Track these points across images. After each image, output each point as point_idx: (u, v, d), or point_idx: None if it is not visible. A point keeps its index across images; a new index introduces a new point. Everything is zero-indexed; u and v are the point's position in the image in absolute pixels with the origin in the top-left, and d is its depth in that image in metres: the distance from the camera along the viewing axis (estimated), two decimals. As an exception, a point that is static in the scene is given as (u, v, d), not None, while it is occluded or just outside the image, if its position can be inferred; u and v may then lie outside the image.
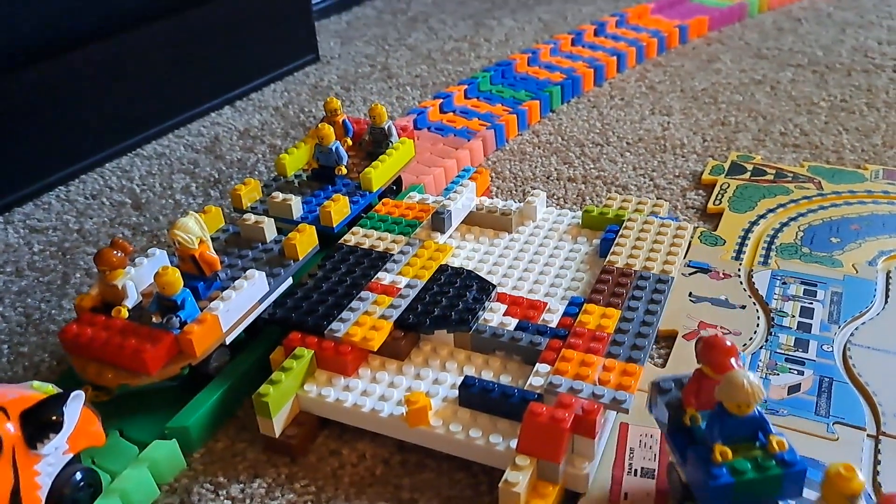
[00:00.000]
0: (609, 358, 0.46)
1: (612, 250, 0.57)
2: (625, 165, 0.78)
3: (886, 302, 0.56)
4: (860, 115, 0.85)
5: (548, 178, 0.77)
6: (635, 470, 0.44)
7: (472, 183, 0.64)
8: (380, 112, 0.68)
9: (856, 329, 0.53)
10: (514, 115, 0.86)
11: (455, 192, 0.63)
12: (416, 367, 0.50)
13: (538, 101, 0.89)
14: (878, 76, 0.95)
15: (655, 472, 0.43)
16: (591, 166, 0.79)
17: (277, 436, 0.47)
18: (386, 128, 0.69)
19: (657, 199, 0.72)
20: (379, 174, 0.65)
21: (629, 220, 0.60)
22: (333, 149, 0.65)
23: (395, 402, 0.47)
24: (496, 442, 0.43)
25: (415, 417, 0.45)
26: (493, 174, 0.79)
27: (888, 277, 0.58)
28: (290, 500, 0.44)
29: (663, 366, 0.52)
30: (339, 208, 0.61)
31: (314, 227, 0.59)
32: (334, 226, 0.60)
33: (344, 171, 0.66)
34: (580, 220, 0.63)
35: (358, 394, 0.48)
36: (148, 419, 0.49)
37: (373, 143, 0.70)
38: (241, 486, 0.45)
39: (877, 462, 0.43)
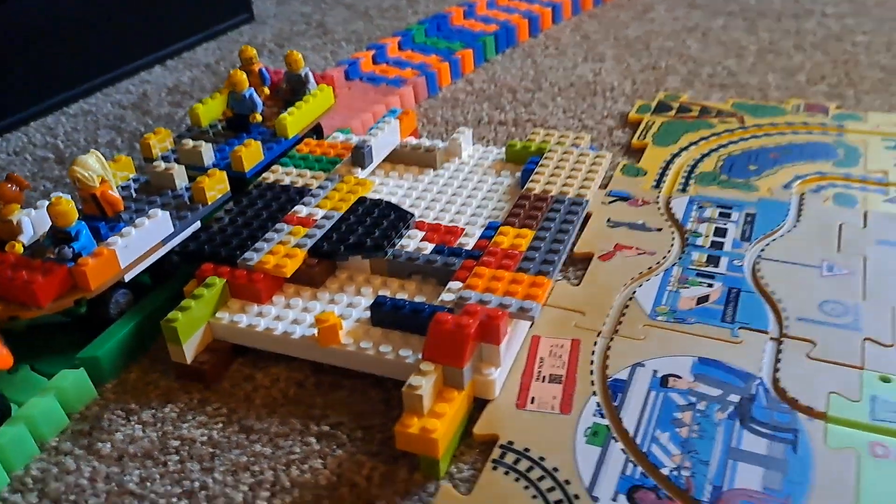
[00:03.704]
0: (520, 273, 0.47)
1: (530, 178, 0.57)
2: (555, 109, 0.79)
3: (798, 220, 0.57)
4: (787, 56, 0.87)
5: (479, 122, 0.77)
6: (544, 377, 0.44)
7: (394, 121, 0.64)
8: (296, 59, 0.67)
9: (766, 245, 0.54)
10: (447, 64, 0.86)
11: (377, 129, 0.63)
12: (331, 293, 0.50)
13: (471, 51, 0.89)
14: (806, 20, 0.96)
15: (563, 378, 0.44)
16: (522, 111, 0.79)
17: (189, 362, 0.46)
18: (303, 75, 0.68)
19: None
20: (294, 120, 0.64)
21: (550, 151, 0.61)
22: (247, 96, 0.64)
23: (308, 325, 0.47)
24: (406, 355, 0.43)
25: (326, 336, 0.45)
26: (425, 120, 0.78)
27: (801, 199, 0.59)
28: (201, 422, 0.44)
29: (578, 284, 0.52)
30: (250, 153, 0.60)
31: (225, 171, 0.58)
32: (246, 171, 0.60)
33: (259, 118, 0.65)
34: (505, 156, 0.64)
35: (271, 319, 0.47)
36: (60, 355, 0.48)
37: (290, 92, 0.69)
38: (153, 411, 0.45)
39: (777, 360, 0.44)
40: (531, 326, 0.48)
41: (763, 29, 0.94)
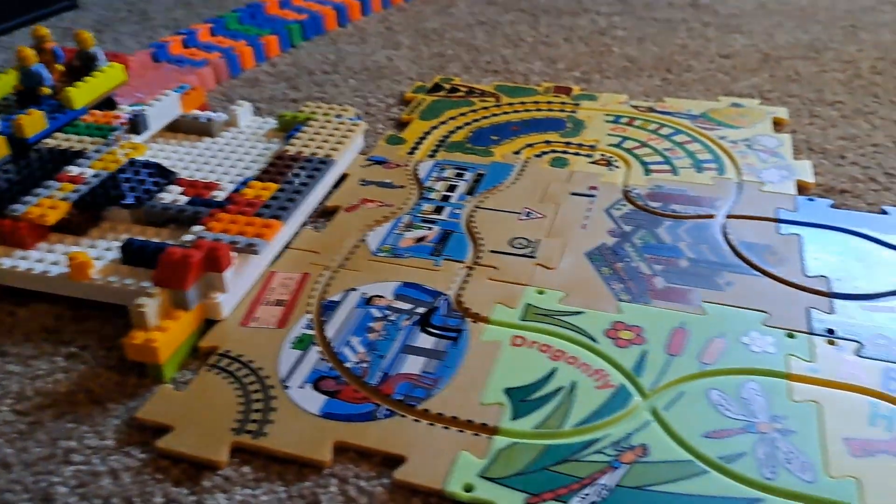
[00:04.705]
0: (257, 217, 0.55)
1: (289, 141, 0.65)
2: (346, 89, 0.87)
3: (518, 179, 0.68)
4: (556, 47, 0.99)
5: (272, 99, 0.85)
6: (270, 301, 0.52)
7: (174, 94, 0.71)
8: (85, 37, 0.73)
9: (486, 198, 0.65)
10: (251, 48, 0.93)
11: (156, 100, 0.69)
12: (91, 240, 0.56)
13: (277, 36, 0.97)
14: (581, 17, 1.10)
15: (286, 302, 0.52)
16: (315, 90, 0.87)
17: (-49, 300, 0.52)
18: (93, 52, 0.73)
19: (366, 114, 0.82)
20: (79, 93, 0.69)
21: (313, 120, 0.69)
22: (34, 70, 0.69)
23: (65, 265, 0.53)
24: (147, 286, 0.51)
25: (76, 272, 0.51)
26: (223, 97, 0.85)
27: (526, 162, 0.70)
28: (-41, 350, 0.50)
29: (321, 231, 0.61)
30: (32, 121, 0.65)
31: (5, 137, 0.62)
32: (27, 137, 0.64)
33: (47, 91, 0.69)
34: (278, 126, 0.72)
35: (32, 261, 0.53)
36: None
37: (82, 68, 0.74)
38: (-86, 342, 0.50)
39: (465, 282, 0.54)
40: (272, 263, 0.56)
41: (543, 24, 1.07)
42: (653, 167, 0.69)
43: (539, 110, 0.80)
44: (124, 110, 0.70)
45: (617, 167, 0.69)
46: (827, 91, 0.85)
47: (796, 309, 0.51)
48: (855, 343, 0.48)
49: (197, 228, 0.54)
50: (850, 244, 0.58)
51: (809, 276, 0.54)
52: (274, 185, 0.59)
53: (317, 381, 0.46)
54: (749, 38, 1.01)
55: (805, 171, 0.68)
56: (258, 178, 0.60)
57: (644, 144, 0.73)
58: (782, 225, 0.60)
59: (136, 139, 0.66)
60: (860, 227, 0.60)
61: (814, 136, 0.75)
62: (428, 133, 0.75)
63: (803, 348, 0.48)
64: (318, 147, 0.65)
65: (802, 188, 0.66)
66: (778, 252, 0.57)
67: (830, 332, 0.49)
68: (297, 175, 0.60)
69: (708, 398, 0.45)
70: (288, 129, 0.70)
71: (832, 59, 0.94)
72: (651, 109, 0.80)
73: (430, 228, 0.60)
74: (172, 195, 0.59)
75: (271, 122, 0.73)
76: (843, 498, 0.38)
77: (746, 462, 0.40)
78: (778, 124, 0.77)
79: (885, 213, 0.62)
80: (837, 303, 0.52)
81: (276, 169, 0.61)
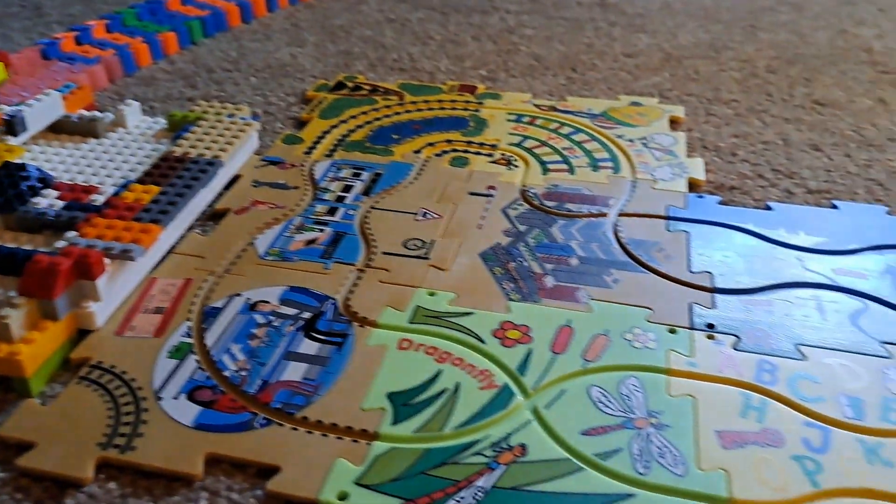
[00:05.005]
0: (135, 222, 0.53)
1: (176, 142, 0.63)
2: (246, 87, 0.85)
3: (417, 178, 0.67)
4: (464, 45, 0.99)
5: (168, 98, 0.82)
6: (149, 309, 0.51)
7: (55, 94, 0.68)
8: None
9: (381, 198, 0.64)
10: (147, 45, 0.90)
11: (35, 100, 0.66)
12: (-42, 247, 0.53)
13: (175, 33, 0.94)
14: (491, 15, 1.10)
15: (165, 309, 0.51)
16: (214, 88, 0.85)
17: None
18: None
19: (265, 113, 0.80)
20: (-49, 88, 0.66)
21: (203, 119, 0.67)
22: None
23: (-75, 275, 0.50)
24: (13, 295, 0.48)
25: (-65, 283, 0.48)
26: (116, 96, 0.82)
27: (426, 161, 0.70)
28: None
29: (207, 235, 0.59)
30: None
31: None
32: None
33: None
34: (168, 126, 0.69)
35: None
36: None
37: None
38: None
39: (354, 285, 0.53)
40: (154, 270, 0.54)
41: (453, 22, 1.07)
42: (551, 166, 0.69)
43: (443, 109, 0.80)
44: (2, 110, 0.66)
45: (516, 166, 0.69)
46: (724, 90, 0.87)
47: (679, 305, 0.52)
48: (733, 337, 0.49)
49: (70, 234, 0.51)
50: (734, 240, 0.59)
51: (694, 273, 0.55)
52: (155, 188, 0.56)
53: (192, 392, 0.44)
54: (653, 38, 1.03)
55: (697, 168, 0.69)
56: (139, 181, 0.57)
57: (544, 143, 0.73)
58: (671, 222, 0.61)
59: (13, 141, 0.62)
60: (745, 223, 0.61)
61: (708, 133, 0.77)
62: (327, 132, 0.74)
63: (684, 343, 0.49)
64: (207, 148, 0.63)
65: (694, 185, 0.67)
66: (665, 249, 0.58)
67: (710, 326, 0.50)
68: (180, 177, 0.58)
69: (588, 395, 0.45)
70: (177, 129, 0.68)
71: (731, 58, 0.97)
72: (553, 108, 0.80)
73: (321, 230, 0.59)
74: (48, 199, 0.56)
75: (162, 122, 0.70)
76: (711, 490, 0.39)
77: (621, 458, 0.41)
78: (675, 122, 0.79)
79: (769, 208, 0.64)
80: (719, 298, 0.53)
81: (160, 171, 0.59)
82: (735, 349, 0.48)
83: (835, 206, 0.64)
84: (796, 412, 0.44)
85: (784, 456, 0.41)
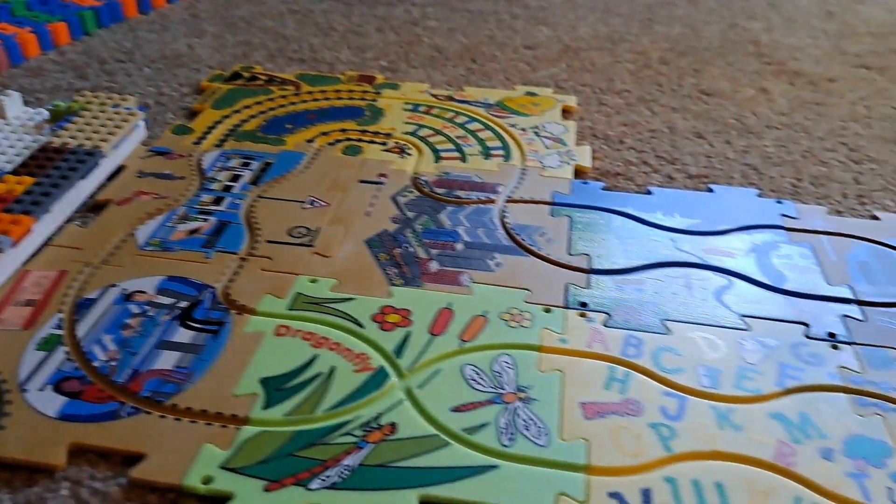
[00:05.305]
0: (6, 213, 0.51)
1: (56, 133, 0.62)
2: (139, 78, 0.84)
3: (308, 168, 0.67)
4: (367, 36, 0.99)
5: (56, 89, 0.80)
6: (20, 302, 0.49)
7: (-74, 82, 0.65)
8: None
9: (270, 187, 0.64)
10: (35, 35, 0.87)
11: None
12: None
13: (66, 23, 0.91)
14: (396, 7, 1.11)
15: (37, 301, 0.49)
16: (106, 78, 0.83)
17: None
18: None
19: (157, 104, 0.78)
20: None
21: (85, 110, 0.66)
22: None
23: None
24: None
25: None
26: (0, 87, 0.79)
27: (318, 150, 0.70)
28: None
29: (87, 226, 0.58)
30: None
31: None
32: None
33: None
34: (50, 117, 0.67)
35: None
36: None
37: None
38: None
39: (235, 274, 0.53)
40: (27, 262, 0.53)
41: (357, 14, 1.07)
42: (443, 154, 0.70)
43: (339, 98, 0.80)
44: None
45: (409, 154, 0.70)
46: (617, 80, 0.90)
47: (556, 286, 0.54)
48: (604, 314, 0.51)
49: (-68, 227, 0.50)
50: (613, 223, 0.62)
51: (573, 255, 0.57)
52: (29, 179, 0.55)
53: (59, 383, 0.43)
54: (553, 30, 1.05)
55: (585, 156, 0.71)
56: (13, 172, 0.56)
57: (438, 132, 0.74)
58: (555, 207, 0.63)
59: None
60: (625, 207, 0.64)
61: (599, 122, 0.80)
62: (219, 122, 0.73)
63: (557, 322, 0.50)
64: (87, 138, 0.61)
65: (580, 172, 0.69)
66: (547, 233, 0.60)
67: (583, 305, 0.52)
68: (57, 168, 0.57)
69: (462, 374, 0.46)
70: (59, 120, 0.66)
71: (626, 50, 1.00)
72: (450, 98, 0.82)
73: (205, 220, 0.59)
74: (-89, 192, 0.54)
75: (45, 114, 0.68)
76: (571, 458, 0.41)
77: (488, 432, 0.42)
78: (567, 112, 0.81)
79: (650, 193, 0.67)
80: (594, 278, 0.55)
81: (36, 162, 0.57)
82: (605, 326, 0.50)
83: (710, 190, 0.67)
84: (657, 383, 0.46)
85: (642, 424, 0.43)
